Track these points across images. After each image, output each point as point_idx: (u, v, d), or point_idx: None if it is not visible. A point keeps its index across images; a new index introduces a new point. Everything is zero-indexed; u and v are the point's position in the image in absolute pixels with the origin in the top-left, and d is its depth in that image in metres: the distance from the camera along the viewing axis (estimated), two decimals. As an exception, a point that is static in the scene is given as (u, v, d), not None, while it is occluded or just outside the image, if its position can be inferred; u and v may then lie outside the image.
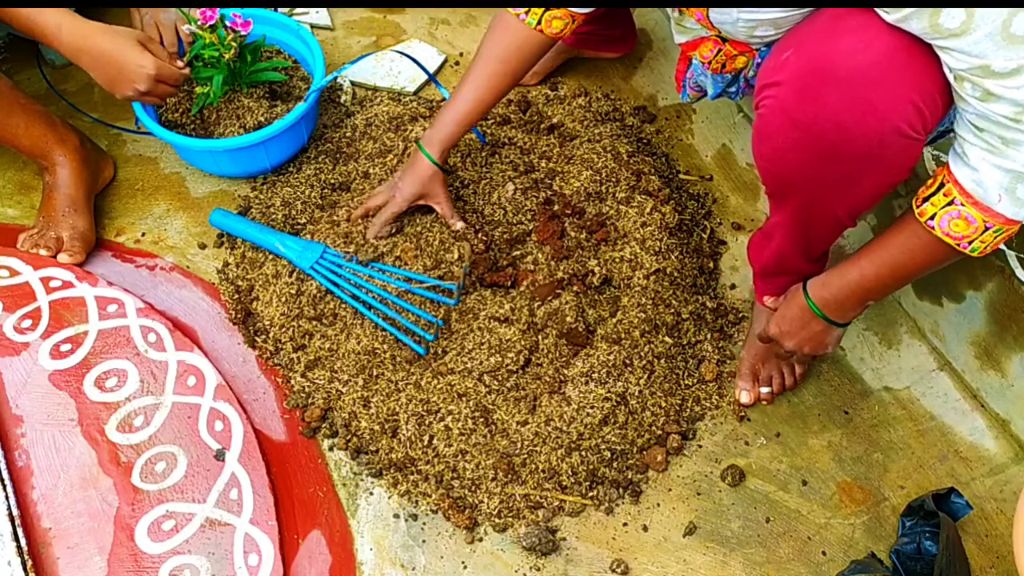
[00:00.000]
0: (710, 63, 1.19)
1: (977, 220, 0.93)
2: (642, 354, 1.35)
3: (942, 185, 0.95)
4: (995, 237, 0.95)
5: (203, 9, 1.41)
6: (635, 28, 1.74)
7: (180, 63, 1.41)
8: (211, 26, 1.42)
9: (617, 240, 1.45)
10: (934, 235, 0.97)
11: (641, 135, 1.66)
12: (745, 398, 1.34)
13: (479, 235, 1.43)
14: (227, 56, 1.44)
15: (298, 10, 1.84)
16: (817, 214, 1.11)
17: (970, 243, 0.96)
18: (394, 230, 1.42)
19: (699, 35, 1.17)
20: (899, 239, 1.03)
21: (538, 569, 1.20)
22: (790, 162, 1.02)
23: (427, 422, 1.29)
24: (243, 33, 1.44)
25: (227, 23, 1.43)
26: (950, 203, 0.94)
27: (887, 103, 0.91)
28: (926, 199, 0.97)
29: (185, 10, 1.44)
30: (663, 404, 1.33)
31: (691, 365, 1.39)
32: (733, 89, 1.25)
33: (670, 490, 1.28)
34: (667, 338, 1.38)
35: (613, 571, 1.20)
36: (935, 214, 0.96)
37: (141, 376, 1.29)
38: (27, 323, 1.32)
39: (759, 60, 1.14)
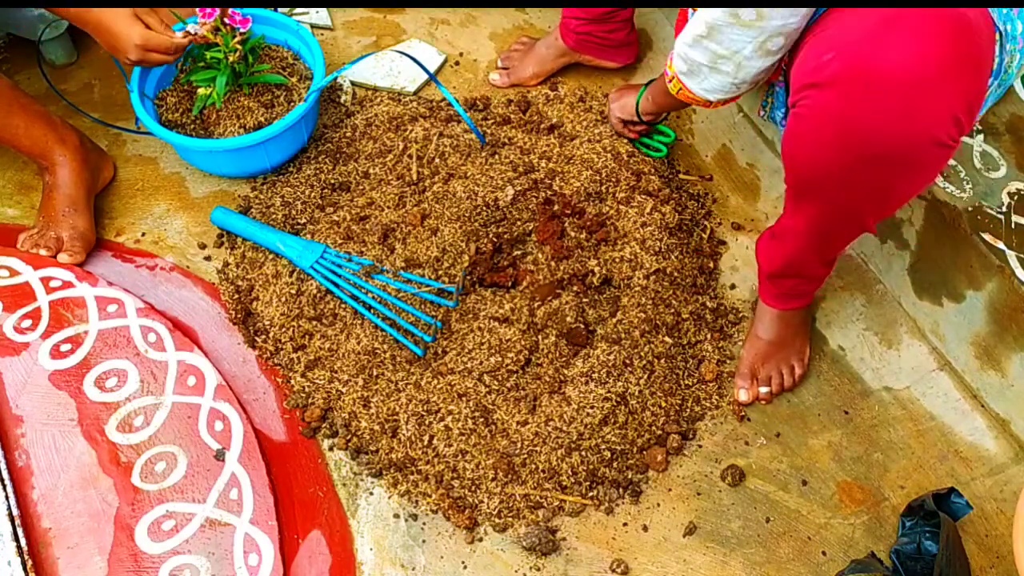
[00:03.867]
0: None
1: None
2: (642, 354, 1.35)
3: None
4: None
5: (202, 9, 1.41)
6: (637, 40, 1.73)
7: (178, 35, 1.41)
8: (211, 25, 1.41)
9: (617, 240, 1.45)
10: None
11: (641, 135, 1.66)
12: (744, 396, 1.34)
13: (487, 235, 1.43)
14: (232, 59, 1.44)
15: (298, 10, 1.83)
16: (842, 218, 1.10)
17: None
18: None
19: None
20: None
21: (538, 569, 1.20)
22: (824, 165, 1.01)
23: (427, 422, 1.29)
24: (242, 30, 1.44)
25: (226, 22, 1.43)
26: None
27: (931, 115, 0.90)
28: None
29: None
30: (663, 404, 1.33)
31: (691, 365, 1.39)
32: None
33: (670, 490, 1.28)
34: (667, 338, 1.38)
35: (613, 571, 1.20)
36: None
37: (141, 376, 1.29)
38: (27, 323, 1.32)
39: None
